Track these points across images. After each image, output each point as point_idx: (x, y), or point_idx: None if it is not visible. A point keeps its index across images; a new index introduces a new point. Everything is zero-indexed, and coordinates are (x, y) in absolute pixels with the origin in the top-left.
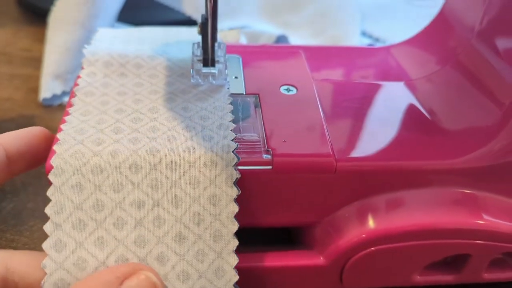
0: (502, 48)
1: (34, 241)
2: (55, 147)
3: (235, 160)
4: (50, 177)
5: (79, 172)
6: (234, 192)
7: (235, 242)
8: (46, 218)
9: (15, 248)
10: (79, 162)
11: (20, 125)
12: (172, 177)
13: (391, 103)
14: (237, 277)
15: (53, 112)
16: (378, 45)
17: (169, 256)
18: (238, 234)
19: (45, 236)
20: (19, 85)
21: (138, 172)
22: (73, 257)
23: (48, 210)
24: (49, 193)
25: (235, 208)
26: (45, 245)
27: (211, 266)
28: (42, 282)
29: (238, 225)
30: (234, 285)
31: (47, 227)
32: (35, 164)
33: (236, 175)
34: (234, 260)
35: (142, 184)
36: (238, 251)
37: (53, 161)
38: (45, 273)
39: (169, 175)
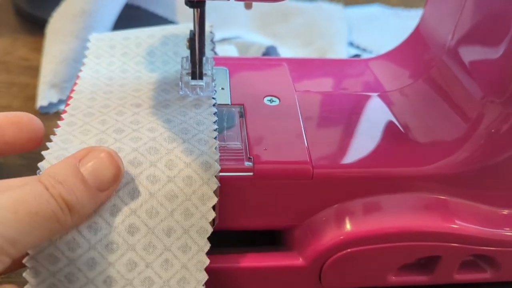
0: (469, 65)
1: None
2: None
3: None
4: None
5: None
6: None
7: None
8: None
9: None
10: None
11: None
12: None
13: (367, 114)
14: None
15: (49, 119)
16: (365, 55)
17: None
18: (221, 236)
19: None
20: (17, 93)
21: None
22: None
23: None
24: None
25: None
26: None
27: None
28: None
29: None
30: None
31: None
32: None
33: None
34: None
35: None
36: (220, 252)
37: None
38: None
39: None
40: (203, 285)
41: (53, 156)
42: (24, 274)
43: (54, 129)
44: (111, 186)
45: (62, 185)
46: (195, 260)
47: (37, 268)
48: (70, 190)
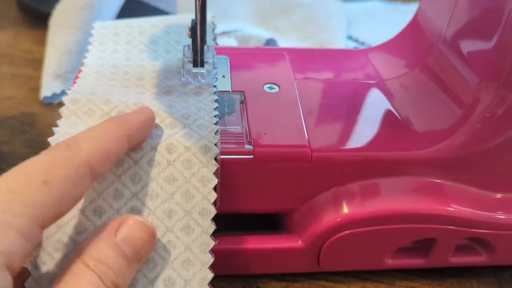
0: (465, 52)
1: None
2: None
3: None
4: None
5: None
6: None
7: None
8: None
9: None
10: None
11: (21, 122)
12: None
13: (364, 101)
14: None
15: (53, 110)
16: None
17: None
18: (223, 220)
19: None
20: (20, 85)
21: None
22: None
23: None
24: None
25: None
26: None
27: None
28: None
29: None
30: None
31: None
32: None
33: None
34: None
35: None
36: (223, 235)
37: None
38: None
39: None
40: (208, 268)
41: None
42: (29, 266)
43: (59, 110)
44: (148, 254)
45: (112, 270)
46: (199, 242)
47: (42, 257)
48: (119, 273)
